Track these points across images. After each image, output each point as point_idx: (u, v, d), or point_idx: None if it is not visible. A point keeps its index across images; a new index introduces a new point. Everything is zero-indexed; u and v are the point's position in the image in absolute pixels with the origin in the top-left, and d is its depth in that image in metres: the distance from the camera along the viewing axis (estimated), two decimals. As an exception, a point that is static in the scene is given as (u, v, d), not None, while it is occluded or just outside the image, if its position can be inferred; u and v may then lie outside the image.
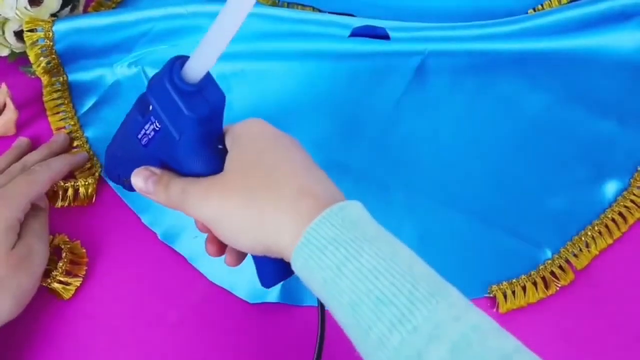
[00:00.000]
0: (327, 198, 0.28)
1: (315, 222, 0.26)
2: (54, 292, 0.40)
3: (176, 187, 0.31)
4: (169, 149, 0.31)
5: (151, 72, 0.50)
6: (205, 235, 0.35)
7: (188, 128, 0.29)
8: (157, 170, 0.32)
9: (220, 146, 0.31)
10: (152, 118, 0.31)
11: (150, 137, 0.32)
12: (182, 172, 0.31)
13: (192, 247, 0.42)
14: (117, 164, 0.37)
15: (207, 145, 0.31)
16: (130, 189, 0.34)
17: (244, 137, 0.31)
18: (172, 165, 0.32)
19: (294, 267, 0.27)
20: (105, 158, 0.39)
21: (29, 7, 0.47)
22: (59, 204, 0.44)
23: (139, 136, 0.32)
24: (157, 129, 0.31)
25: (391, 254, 0.25)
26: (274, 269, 0.31)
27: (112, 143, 0.37)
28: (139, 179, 0.32)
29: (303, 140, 0.46)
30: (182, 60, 0.29)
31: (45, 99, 0.50)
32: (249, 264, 0.41)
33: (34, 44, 0.49)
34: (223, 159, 0.30)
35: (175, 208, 0.31)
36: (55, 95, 0.50)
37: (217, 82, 0.31)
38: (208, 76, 0.29)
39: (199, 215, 0.30)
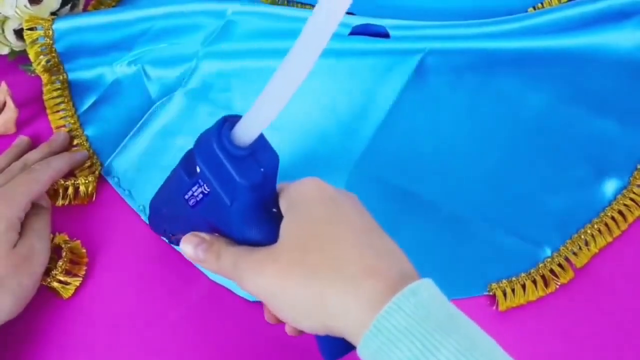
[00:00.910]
0: (395, 278, 0.25)
1: (385, 310, 0.24)
2: (53, 290, 0.40)
3: (229, 259, 0.29)
4: (219, 213, 0.29)
5: (151, 70, 0.51)
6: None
7: (240, 195, 0.27)
8: (207, 237, 0.30)
9: (274, 209, 0.29)
10: (200, 181, 0.28)
11: (198, 199, 0.30)
12: (233, 237, 0.30)
13: (192, 245, 0.42)
14: (163, 220, 0.35)
15: (261, 210, 0.28)
16: (178, 243, 0.33)
17: (301, 203, 0.28)
18: (222, 229, 0.30)
19: (360, 355, 0.25)
20: (149, 210, 0.38)
21: (28, 5, 0.47)
22: (60, 202, 0.45)
23: (186, 197, 0.30)
24: (206, 192, 0.29)
25: (470, 346, 0.23)
26: (337, 345, 0.28)
27: (156, 197, 0.36)
28: (188, 246, 0.31)
29: (303, 139, 0.46)
30: (231, 120, 0.27)
31: (45, 97, 0.50)
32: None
33: (33, 42, 0.49)
34: (277, 224, 0.28)
35: (227, 278, 0.30)
36: (55, 93, 0.50)
37: (267, 139, 0.28)
38: (260, 136, 0.27)
39: (254, 291, 0.28)
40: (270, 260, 0.27)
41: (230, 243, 0.30)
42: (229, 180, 0.27)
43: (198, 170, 0.28)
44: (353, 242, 0.27)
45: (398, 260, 0.27)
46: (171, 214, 0.33)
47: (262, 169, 0.27)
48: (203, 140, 0.28)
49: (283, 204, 0.29)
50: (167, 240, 0.36)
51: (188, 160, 0.30)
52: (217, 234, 0.31)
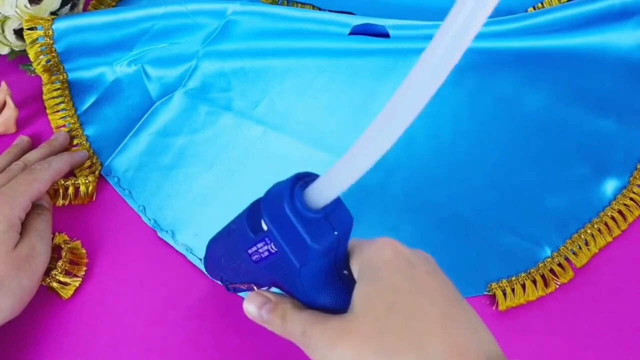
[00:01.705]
0: (481, 358, 0.23)
1: None
2: (53, 290, 0.40)
3: (297, 326, 0.27)
4: (286, 274, 0.27)
5: (151, 70, 0.51)
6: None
7: (312, 259, 0.25)
8: (272, 297, 0.29)
9: (345, 272, 0.27)
10: (267, 240, 0.26)
11: (263, 256, 0.28)
12: (299, 298, 0.28)
13: (192, 245, 0.42)
14: (221, 267, 0.34)
15: (331, 274, 0.27)
16: (235, 291, 0.32)
17: (376, 268, 0.26)
18: (287, 288, 0.28)
19: None
20: (207, 254, 0.36)
21: (28, 5, 0.47)
22: (60, 202, 0.44)
23: (249, 251, 0.28)
24: (273, 251, 0.27)
25: None
26: None
27: (215, 244, 0.34)
28: (252, 306, 0.29)
29: (302, 139, 0.46)
30: (304, 180, 0.25)
31: (45, 97, 0.50)
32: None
33: (33, 42, 0.49)
34: (348, 289, 0.26)
35: (292, 341, 0.28)
36: (55, 93, 0.50)
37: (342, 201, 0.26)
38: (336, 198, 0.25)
39: None
40: (343, 333, 0.25)
41: (297, 305, 0.28)
42: (299, 243, 0.25)
43: (265, 227, 0.26)
44: (435, 315, 0.24)
45: (485, 338, 0.24)
46: (231, 264, 0.32)
47: (335, 232, 0.25)
48: (272, 199, 0.26)
49: (355, 268, 0.27)
50: (224, 286, 0.34)
51: (253, 214, 0.28)
52: (282, 292, 0.29)
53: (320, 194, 0.24)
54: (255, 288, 0.31)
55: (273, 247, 0.26)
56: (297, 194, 0.24)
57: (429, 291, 0.25)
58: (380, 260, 0.26)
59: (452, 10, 0.17)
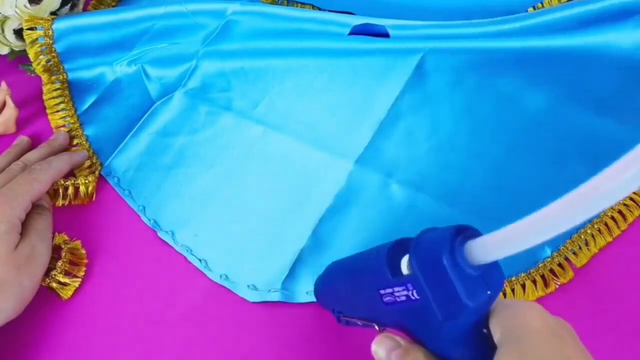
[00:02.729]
0: None
1: None
2: (52, 290, 0.40)
3: None
4: (420, 322, 0.26)
5: (151, 70, 0.51)
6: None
7: (460, 315, 0.24)
8: (402, 342, 0.28)
9: (484, 330, 0.26)
10: (410, 286, 0.25)
11: (398, 300, 0.26)
12: (429, 348, 0.27)
13: (192, 245, 0.42)
14: (338, 298, 0.33)
15: (471, 331, 0.25)
16: (347, 324, 0.31)
17: (521, 335, 0.24)
18: (416, 335, 0.27)
19: None
20: (322, 283, 0.35)
21: (28, 5, 0.47)
22: (60, 202, 0.44)
23: (382, 292, 0.27)
24: (413, 299, 0.25)
25: None
26: None
27: (336, 273, 0.33)
28: (381, 348, 0.28)
29: (302, 139, 0.46)
30: (466, 234, 0.24)
31: (45, 97, 0.50)
32: (246, 261, 0.42)
33: (33, 42, 0.49)
34: (486, 348, 0.25)
35: None
36: (55, 93, 0.50)
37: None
38: None
39: None
40: None
41: (427, 355, 0.27)
42: (449, 297, 0.24)
43: (406, 272, 0.25)
44: None
45: None
46: (352, 298, 0.31)
47: (489, 292, 0.24)
48: (427, 246, 0.25)
49: (496, 329, 0.25)
50: (334, 317, 0.33)
51: (394, 255, 0.27)
52: (408, 337, 0.28)
53: (484, 252, 0.23)
54: (376, 327, 0.30)
55: (415, 294, 0.25)
56: (458, 247, 0.23)
57: None
58: (526, 328, 0.24)
59: None
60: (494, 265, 0.24)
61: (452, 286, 0.23)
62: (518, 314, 0.25)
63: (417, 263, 0.25)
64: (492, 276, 0.24)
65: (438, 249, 0.24)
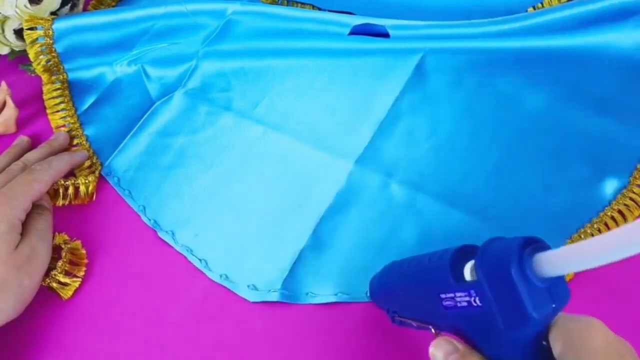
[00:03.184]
0: None
1: None
2: (52, 290, 0.40)
3: None
4: (480, 329, 0.26)
5: (151, 70, 0.51)
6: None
7: (524, 326, 0.24)
8: (460, 347, 0.28)
9: (544, 342, 0.26)
10: (473, 292, 0.26)
11: (459, 305, 0.27)
12: (486, 354, 0.27)
13: (192, 245, 0.42)
14: (394, 298, 0.33)
15: (531, 343, 0.25)
16: (400, 324, 0.32)
17: (583, 352, 0.24)
18: (473, 341, 0.27)
19: None
20: (378, 282, 0.35)
21: (28, 5, 0.47)
22: (60, 202, 0.44)
23: (443, 296, 0.27)
24: (475, 305, 0.26)
25: None
26: None
27: (394, 274, 0.33)
28: (439, 351, 0.28)
29: (302, 139, 0.46)
30: (535, 245, 0.24)
31: (45, 97, 0.50)
32: (246, 261, 0.42)
33: (33, 42, 0.49)
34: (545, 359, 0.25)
35: None
36: (55, 93, 0.50)
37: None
38: None
39: None
40: None
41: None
42: (514, 307, 0.24)
43: (470, 278, 0.26)
44: None
45: None
46: (409, 300, 0.31)
47: (554, 305, 0.24)
48: (494, 255, 0.25)
49: (557, 344, 0.25)
50: (389, 317, 0.34)
51: (457, 260, 0.27)
52: (464, 342, 0.28)
53: (553, 266, 0.23)
54: (432, 330, 0.30)
55: (477, 301, 0.25)
56: (526, 259, 0.23)
57: None
58: (590, 345, 0.24)
59: None
60: (560, 280, 0.25)
61: (518, 296, 0.23)
62: (580, 329, 0.25)
63: (484, 271, 0.25)
64: (558, 290, 0.24)
65: (506, 258, 0.24)
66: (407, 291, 0.32)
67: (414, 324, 0.31)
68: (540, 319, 0.24)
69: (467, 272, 0.26)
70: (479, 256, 0.26)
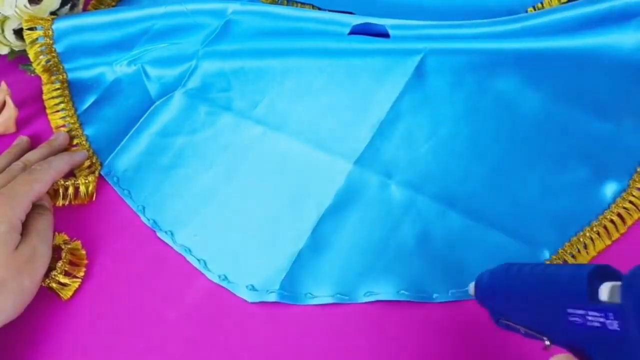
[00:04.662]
0: None
1: None
2: (53, 291, 0.41)
3: None
4: (610, 354, 0.25)
5: (151, 70, 0.51)
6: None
7: None
8: None
9: None
10: (612, 315, 0.24)
11: (588, 324, 0.25)
12: None
13: (191, 245, 0.42)
14: (504, 300, 0.32)
15: None
16: (506, 328, 0.31)
17: None
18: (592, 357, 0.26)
19: None
20: (490, 281, 0.34)
21: (28, 5, 0.47)
22: (60, 202, 0.45)
23: (570, 311, 0.26)
24: (610, 328, 0.24)
25: None
26: None
27: (513, 276, 0.32)
28: None
29: (302, 139, 0.46)
30: None
31: (45, 97, 0.50)
32: (245, 261, 0.42)
33: (33, 42, 0.49)
34: None
35: None
36: (55, 93, 0.50)
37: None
38: None
39: None
40: None
41: None
42: None
43: (606, 299, 0.25)
44: None
45: None
46: (526, 305, 0.30)
47: None
48: None
49: None
50: (492, 317, 0.33)
51: (594, 279, 0.26)
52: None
53: None
54: (546, 342, 0.29)
55: (615, 325, 0.24)
56: None
57: None
58: None
59: None
60: None
61: None
62: None
63: (632, 296, 0.23)
64: None
65: None
66: (527, 298, 0.30)
67: (522, 330, 0.30)
68: None
69: (605, 292, 0.25)
70: (627, 280, 0.24)
